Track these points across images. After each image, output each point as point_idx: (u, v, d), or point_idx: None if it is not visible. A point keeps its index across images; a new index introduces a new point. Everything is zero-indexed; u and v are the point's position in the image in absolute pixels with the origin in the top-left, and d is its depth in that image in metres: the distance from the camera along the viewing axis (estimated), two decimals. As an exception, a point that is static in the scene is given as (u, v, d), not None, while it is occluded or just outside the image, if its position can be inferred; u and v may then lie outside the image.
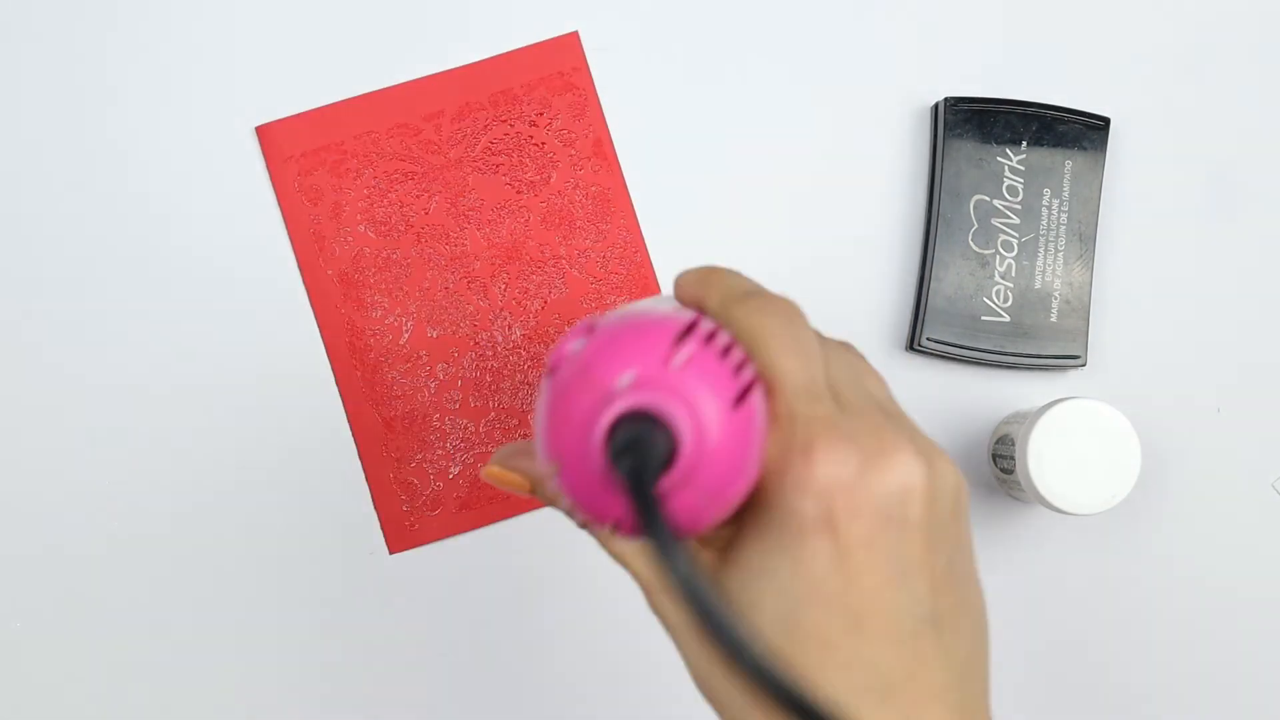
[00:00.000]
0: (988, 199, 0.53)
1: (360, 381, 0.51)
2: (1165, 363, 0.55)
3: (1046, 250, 0.53)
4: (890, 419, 0.28)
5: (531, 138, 0.51)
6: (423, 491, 0.51)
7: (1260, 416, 0.55)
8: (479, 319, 0.51)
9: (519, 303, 0.52)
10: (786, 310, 0.29)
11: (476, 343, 0.51)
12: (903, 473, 0.27)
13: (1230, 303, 0.55)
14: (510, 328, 0.51)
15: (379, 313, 0.51)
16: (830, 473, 0.26)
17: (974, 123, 0.53)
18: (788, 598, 0.27)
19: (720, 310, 0.29)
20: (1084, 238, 0.53)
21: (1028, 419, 0.49)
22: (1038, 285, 0.53)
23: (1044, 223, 0.53)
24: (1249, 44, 0.55)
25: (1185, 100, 0.55)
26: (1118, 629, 0.54)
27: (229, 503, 0.53)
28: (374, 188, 0.50)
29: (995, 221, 0.53)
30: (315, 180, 0.50)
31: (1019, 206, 0.53)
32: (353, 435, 0.51)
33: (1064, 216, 0.53)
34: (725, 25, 0.54)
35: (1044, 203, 0.53)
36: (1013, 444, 0.49)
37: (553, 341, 0.49)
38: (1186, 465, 0.54)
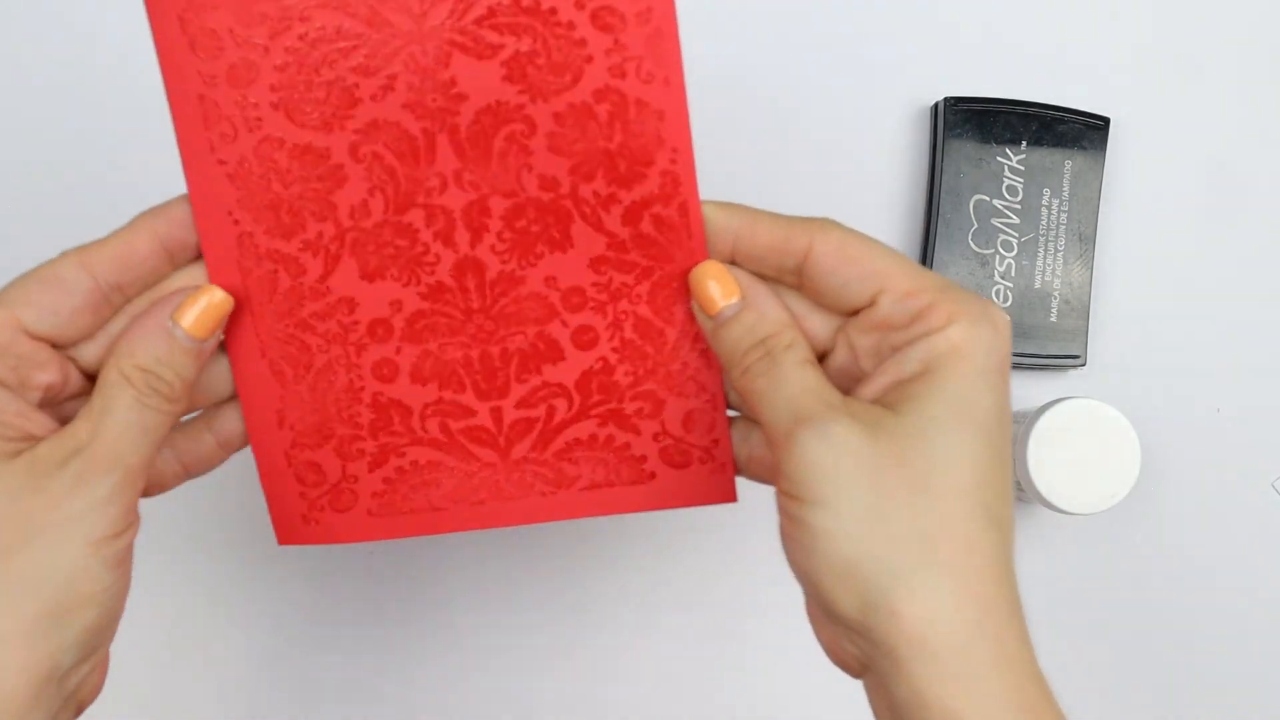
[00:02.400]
0: (987, 199, 0.53)
1: (250, 322, 0.34)
2: (1165, 363, 0.55)
3: (1046, 250, 0.53)
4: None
5: (556, 13, 0.31)
6: (328, 479, 0.37)
7: (1260, 416, 0.55)
8: (435, 268, 0.34)
9: (497, 255, 0.34)
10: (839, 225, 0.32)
11: (427, 299, 0.34)
12: (1004, 328, 0.31)
13: (1230, 302, 0.55)
14: (479, 289, 0.34)
15: (288, 236, 0.33)
16: (972, 334, 0.30)
17: (974, 123, 0.53)
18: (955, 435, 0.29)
19: (797, 237, 0.32)
20: (1084, 237, 0.53)
21: (1027, 419, 0.49)
22: (1037, 285, 0.53)
23: (1044, 223, 0.53)
24: (1249, 44, 0.55)
25: (1185, 100, 0.55)
26: (1117, 628, 0.54)
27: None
28: (299, 51, 0.31)
29: (995, 221, 0.53)
30: (210, 22, 0.31)
31: (1019, 206, 0.53)
32: (234, 387, 0.35)
33: (1064, 216, 0.53)
34: (729, 26, 0.54)
35: (1044, 202, 0.53)
36: (1013, 443, 0.50)
37: (535, 321, 0.35)
38: (1186, 465, 0.54)
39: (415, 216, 0.33)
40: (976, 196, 0.53)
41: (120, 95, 0.52)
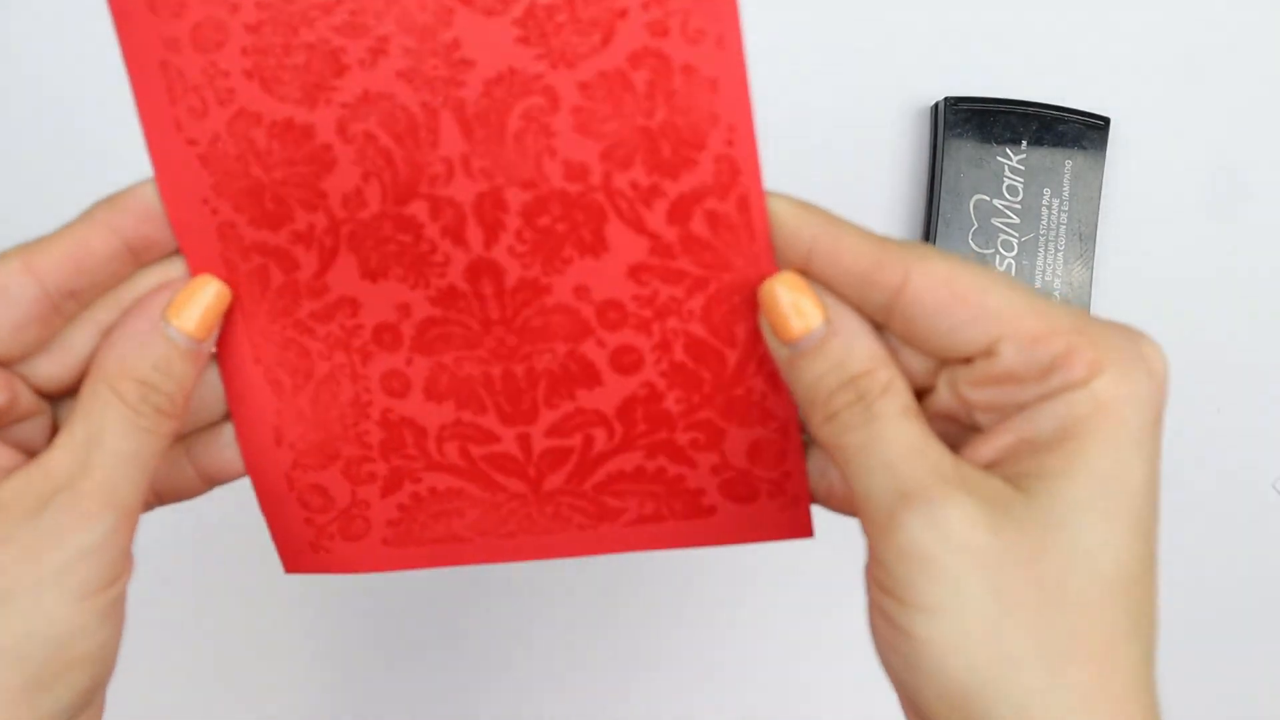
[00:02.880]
0: (988, 199, 0.53)
1: (241, 322, 0.29)
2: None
3: (1047, 250, 0.53)
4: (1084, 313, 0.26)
5: None
6: (336, 504, 0.32)
7: (1260, 416, 0.55)
8: (445, 270, 0.28)
9: (517, 258, 0.28)
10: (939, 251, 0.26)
11: (438, 305, 0.29)
12: (1160, 373, 0.25)
13: (1231, 302, 0.55)
14: (498, 297, 0.29)
15: (275, 227, 0.28)
16: (1120, 386, 0.24)
17: (974, 122, 0.53)
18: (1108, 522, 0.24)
19: (891, 266, 0.25)
20: (1084, 237, 0.53)
21: (1028, 419, 0.49)
22: (1038, 285, 0.53)
23: (1044, 222, 0.53)
24: (1249, 44, 0.55)
25: (1186, 100, 0.55)
26: (1118, 629, 0.54)
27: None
28: (273, 6, 0.26)
29: (995, 221, 0.53)
30: None
31: (1019, 206, 0.53)
32: (225, 396, 0.30)
33: (1064, 216, 0.53)
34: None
35: (1044, 202, 0.53)
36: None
37: (566, 339, 0.29)
38: (1186, 465, 0.54)
39: (418, 209, 0.27)
40: (976, 196, 0.53)
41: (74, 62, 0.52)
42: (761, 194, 0.26)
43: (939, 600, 0.23)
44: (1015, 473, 0.25)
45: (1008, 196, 0.53)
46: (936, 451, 0.25)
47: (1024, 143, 0.53)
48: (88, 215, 0.27)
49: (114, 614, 0.26)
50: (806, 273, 0.26)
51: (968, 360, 0.26)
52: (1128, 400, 0.24)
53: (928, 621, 0.23)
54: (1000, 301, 0.25)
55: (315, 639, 0.53)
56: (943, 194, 0.53)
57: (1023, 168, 0.53)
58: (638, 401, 0.30)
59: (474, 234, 0.27)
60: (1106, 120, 0.53)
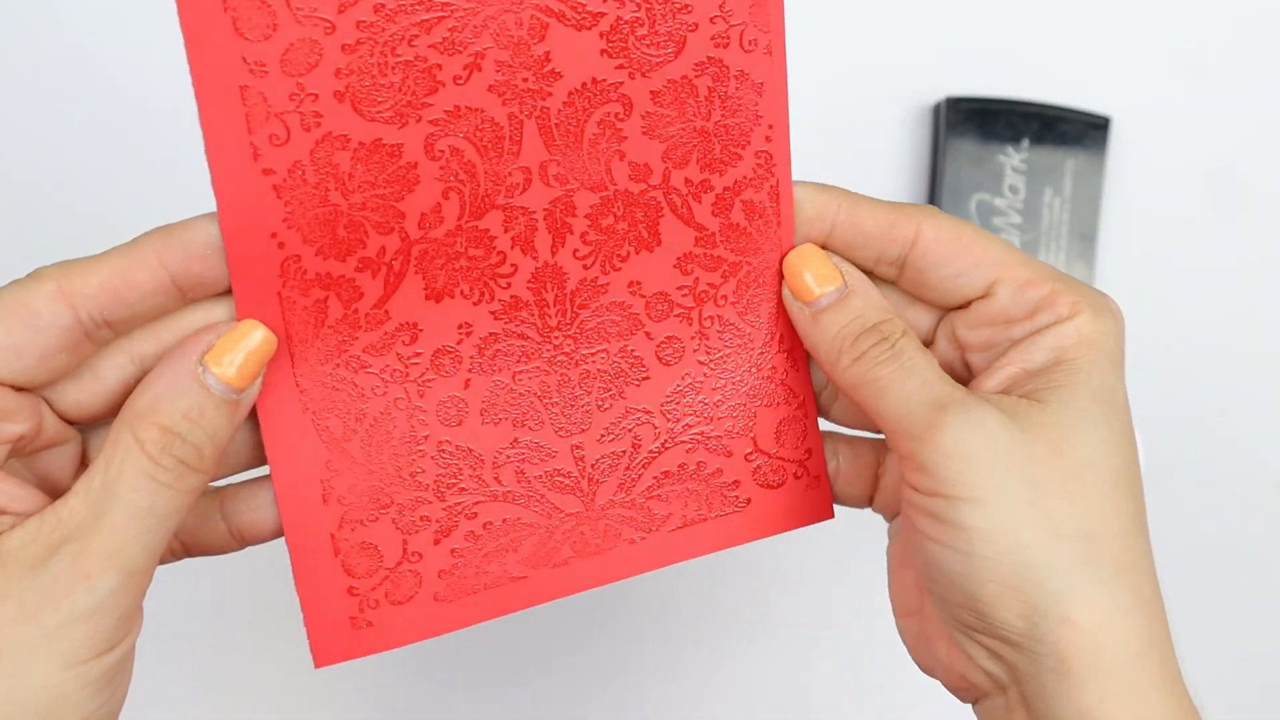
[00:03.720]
0: (989, 198, 0.53)
1: (289, 368, 0.28)
2: (1167, 362, 0.55)
3: (1048, 249, 0.53)
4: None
5: None
6: (385, 563, 0.30)
7: (1261, 417, 0.55)
8: (511, 281, 0.29)
9: (580, 260, 0.29)
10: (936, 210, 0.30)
11: (500, 319, 0.29)
12: (1122, 319, 0.29)
13: (1232, 302, 0.55)
14: (559, 302, 0.30)
15: (345, 256, 0.27)
16: (1095, 328, 0.29)
17: (975, 122, 0.53)
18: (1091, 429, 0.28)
19: (903, 223, 0.30)
20: (1085, 236, 0.53)
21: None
22: (1039, 284, 0.53)
23: (1045, 221, 0.53)
24: (1249, 44, 0.55)
25: (1186, 100, 0.55)
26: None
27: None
28: (373, 26, 0.26)
29: (997, 220, 0.53)
30: None
31: (1020, 205, 0.53)
32: (264, 451, 0.29)
33: (1065, 215, 0.53)
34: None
35: (1045, 201, 0.53)
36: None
37: (619, 335, 0.31)
38: (1189, 465, 0.54)
39: (493, 221, 0.28)
40: (978, 195, 0.53)
41: (116, 94, 0.51)
42: (790, 183, 0.30)
43: (988, 489, 0.26)
44: (1023, 392, 0.28)
45: (1009, 195, 0.53)
46: (954, 381, 0.29)
47: (1025, 142, 0.53)
48: (136, 244, 0.25)
49: (108, 683, 0.24)
50: (829, 244, 0.30)
51: (963, 306, 0.30)
52: (1105, 333, 0.28)
53: (979, 510, 0.26)
54: (996, 252, 0.29)
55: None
56: (944, 193, 0.53)
57: (1024, 167, 0.53)
58: (680, 393, 0.32)
59: (542, 240, 0.29)
60: (1107, 120, 0.53)
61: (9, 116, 0.51)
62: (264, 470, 0.29)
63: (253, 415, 0.28)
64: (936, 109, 0.54)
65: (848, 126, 0.54)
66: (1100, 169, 0.53)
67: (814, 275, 0.30)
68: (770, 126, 0.30)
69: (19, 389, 0.25)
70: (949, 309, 0.31)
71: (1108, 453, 0.27)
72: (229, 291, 0.27)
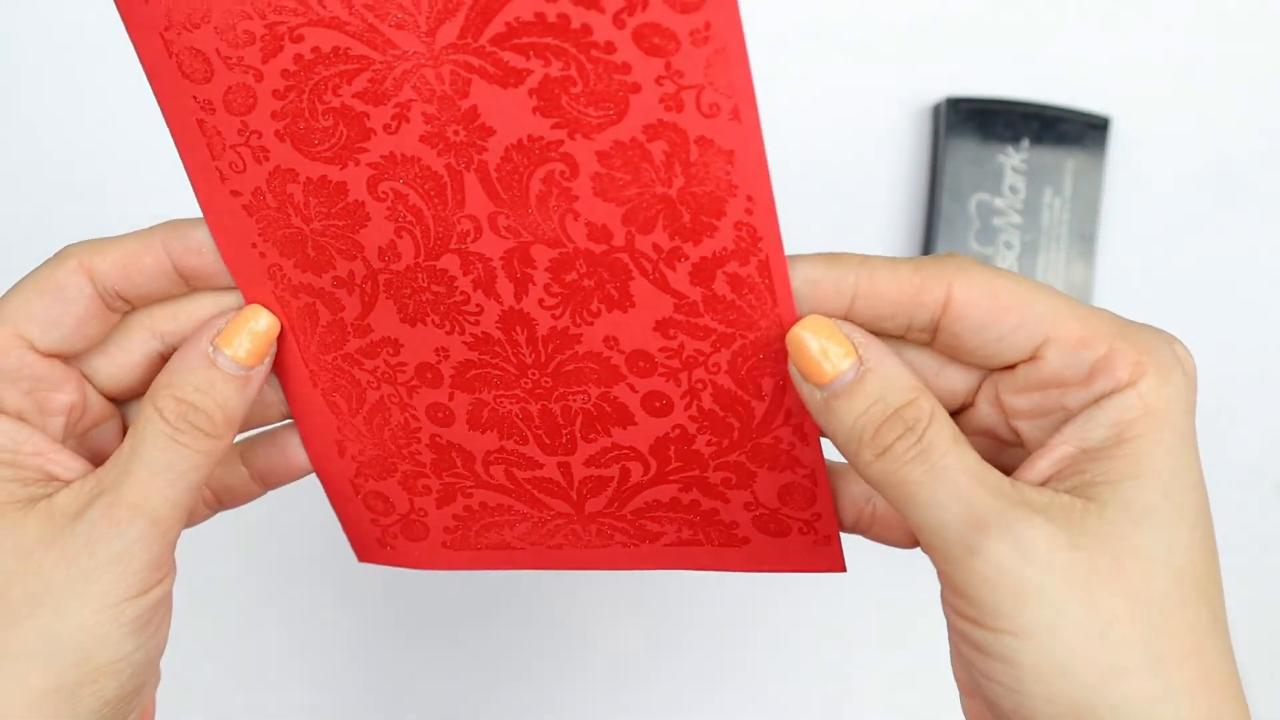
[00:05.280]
0: (989, 198, 0.53)
1: (297, 351, 0.31)
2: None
3: (1048, 249, 0.53)
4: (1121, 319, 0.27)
5: (590, 31, 0.24)
6: (396, 510, 0.33)
7: (1261, 416, 0.55)
8: (479, 318, 0.29)
9: (547, 310, 0.28)
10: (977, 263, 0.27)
11: (474, 350, 0.30)
12: (1192, 372, 0.26)
13: (1231, 302, 0.55)
14: (531, 344, 0.29)
15: (319, 272, 0.29)
16: (1162, 393, 0.25)
17: (975, 122, 0.53)
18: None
19: (931, 286, 0.26)
20: (1085, 236, 0.53)
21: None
22: (1039, 285, 0.53)
23: (1046, 222, 0.53)
24: (1249, 44, 0.55)
25: (1186, 100, 0.55)
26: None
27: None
28: (297, 75, 0.26)
29: (997, 221, 0.53)
30: (194, 41, 0.26)
31: (1021, 206, 0.53)
32: (282, 410, 0.32)
33: (1065, 215, 0.53)
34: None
35: (1045, 202, 0.53)
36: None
37: (598, 383, 0.30)
38: (1188, 465, 0.54)
39: (450, 263, 0.28)
40: (978, 196, 0.53)
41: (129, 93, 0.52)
42: (783, 260, 0.26)
43: (1036, 623, 0.23)
44: (1078, 483, 0.25)
45: (1009, 196, 0.53)
46: (996, 476, 0.25)
47: (1025, 142, 0.53)
48: (149, 231, 0.28)
49: (146, 626, 0.27)
50: (851, 318, 0.27)
51: (1011, 367, 0.26)
52: (1173, 401, 0.25)
53: (1025, 645, 0.23)
54: (1044, 308, 0.25)
55: (310, 640, 0.53)
56: (944, 193, 0.53)
57: (1024, 167, 0.53)
58: (670, 441, 0.30)
59: (504, 287, 0.28)
60: (1107, 120, 0.53)
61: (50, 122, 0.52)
62: (283, 422, 0.33)
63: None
64: (936, 109, 0.54)
65: (848, 127, 0.54)
66: (1100, 169, 0.53)
67: (822, 353, 0.26)
68: (750, 198, 0.26)
69: (64, 359, 0.28)
70: (991, 370, 0.27)
71: (1180, 556, 0.24)
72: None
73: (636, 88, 0.25)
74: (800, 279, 0.27)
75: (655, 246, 0.27)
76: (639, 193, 0.26)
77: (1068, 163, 0.53)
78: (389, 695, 0.53)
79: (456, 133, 0.26)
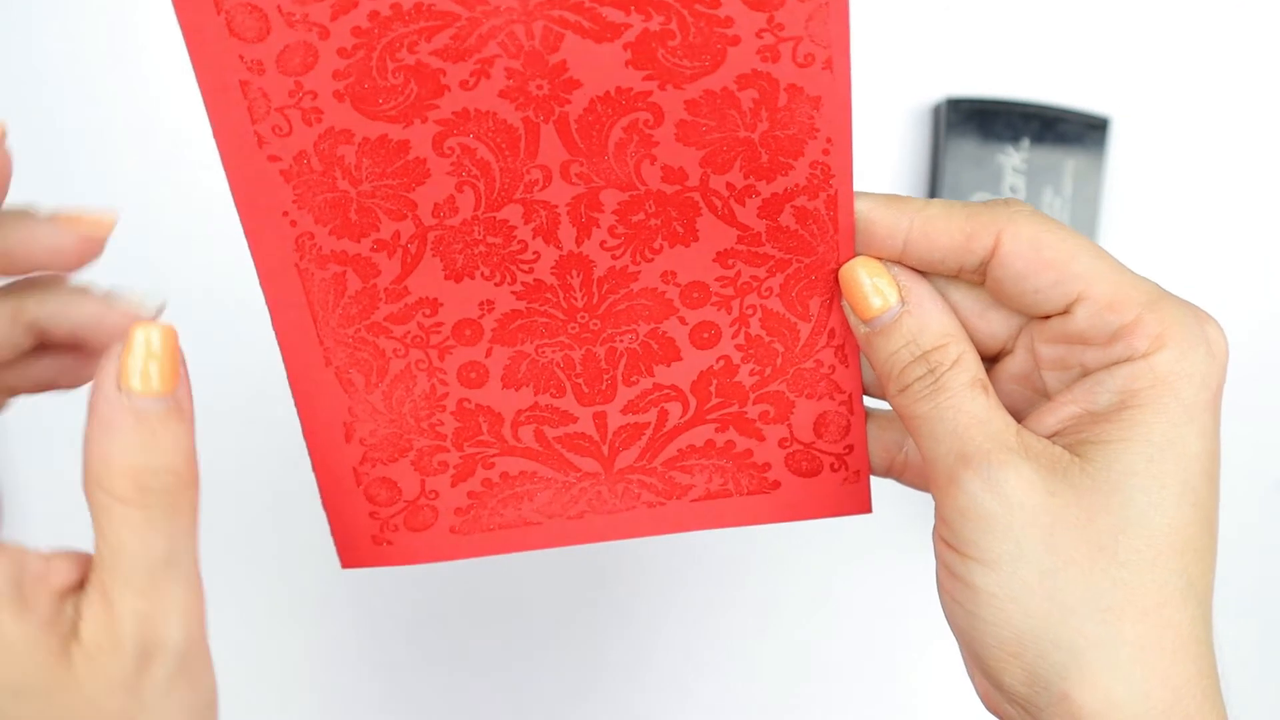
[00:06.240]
0: (989, 198, 0.53)
1: (312, 329, 0.30)
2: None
3: (1048, 249, 0.53)
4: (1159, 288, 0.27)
5: None
6: (404, 496, 0.33)
7: (1261, 417, 0.55)
8: (533, 266, 0.29)
9: (608, 251, 0.29)
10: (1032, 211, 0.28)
11: (523, 298, 0.30)
12: (1220, 353, 0.27)
13: (1231, 302, 0.55)
14: (585, 287, 0.30)
15: (359, 237, 0.28)
16: (1186, 361, 0.26)
17: (975, 122, 0.53)
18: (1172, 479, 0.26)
19: (982, 233, 0.27)
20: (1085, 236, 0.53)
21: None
22: (1039, 284, 0.53)
23: (1045, 222, 0.53)
24: (1249, 44, 0.55)
25: (1185, 100, 0.55)
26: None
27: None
28: (369, 34, 0.26)
29: (997, 221, 0.53)
30: None
31: (1020, 206, 0.53)
32: (292, 397, 0.31)
33: (1066, 215, 0.53)
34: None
35: (1046, 202, 0.53)
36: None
37: (649, 319, 0.30)
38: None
39: (512, 212, 0.28)
40: (978, 196, 0.53)
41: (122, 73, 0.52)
42: (850, 195, 0.28)
43: (997, 554, 0.25)
44: (1075, 440, 0.26)
45: (1009, 196, 0.53)
46: (1000, 421, 0.27)
47: (1025, 142, 0.53)
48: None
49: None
50: (904, 259, 0.28)
51: (1046, 317, 0.28)
52: (1185, 376, 0.26)
53: (986, 573, 0.25)
54: (1082, 266, 0.26)
55: (313, 640, 0.53)
56: (945, 193, 0.53)
57: (1024, 167, 0.53)
58: (713, 374, 0.31)
59: (566, 232, 0.29)
60: (1106, 120, 0.53)
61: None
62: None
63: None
64: (936, 109, 0.54)
65: (848, 127, 0.54)
66: (1100, 169, 0.53)
67: (869, 289, 0.28)
68: (829, 140, 0.27)
69: None
70: (1031, 317, 0.29)
71: (1154, 522, 0.25)
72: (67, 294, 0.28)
73: (736, 40, 0.26)
74: (860, 216, 0.28)
75: (729, 185, 0.28)
76: (722, 137, 0.27)
77: (1067, 163, 0.53)
78: (389, 695, 0.53)
79: (540, 86, 0.26)
